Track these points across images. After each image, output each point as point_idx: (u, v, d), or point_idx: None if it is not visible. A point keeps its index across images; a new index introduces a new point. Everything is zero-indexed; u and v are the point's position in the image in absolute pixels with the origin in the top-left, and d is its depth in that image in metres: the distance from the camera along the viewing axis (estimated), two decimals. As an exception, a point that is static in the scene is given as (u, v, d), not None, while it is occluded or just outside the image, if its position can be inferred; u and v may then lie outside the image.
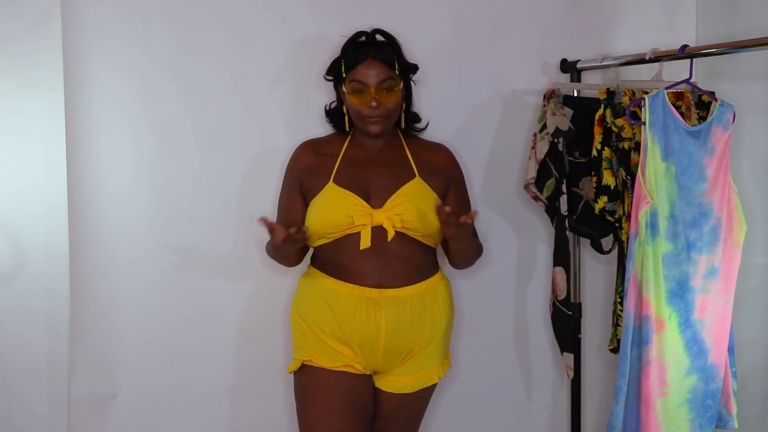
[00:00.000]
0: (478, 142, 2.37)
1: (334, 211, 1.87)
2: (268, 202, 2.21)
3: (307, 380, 1.92)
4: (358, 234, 1.87)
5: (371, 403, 1.96)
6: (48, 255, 2.16)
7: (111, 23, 2.07)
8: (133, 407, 2.19)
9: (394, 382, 1.95)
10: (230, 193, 2.20)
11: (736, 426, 2.06)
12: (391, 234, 1.86)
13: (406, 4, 2.26)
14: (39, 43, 2.08)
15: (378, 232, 1.87)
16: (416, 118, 2.07)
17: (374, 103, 1.86)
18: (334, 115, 2.04)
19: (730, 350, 2.03)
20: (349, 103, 1.91)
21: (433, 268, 1.99)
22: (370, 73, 1.87)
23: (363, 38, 1.94)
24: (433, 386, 2.02)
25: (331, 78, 1.98)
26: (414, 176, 1.94)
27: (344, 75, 1.90)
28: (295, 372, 1.97)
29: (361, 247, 1.86)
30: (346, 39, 1.95)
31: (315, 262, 1.99)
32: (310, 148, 2.00)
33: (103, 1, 2.06)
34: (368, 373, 1.95)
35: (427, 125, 2.10)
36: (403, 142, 2.01)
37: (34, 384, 2.20)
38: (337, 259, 1.90)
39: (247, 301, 2.25)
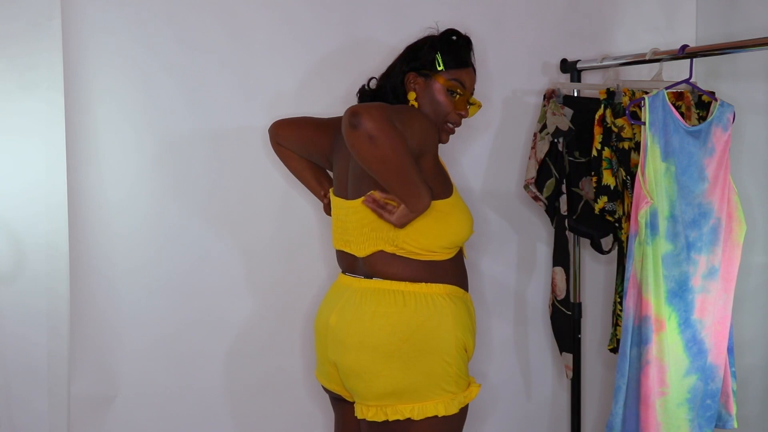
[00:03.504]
0: (478, 142, 2.37)
1: (471, 218, 1.76)
2: (269, 202, 2.21)
3: (464, 419, 1.75)
4: None
5: None
6: (48, 255, 2.16)
7: (111, 23, 2.07)
8: (133, 408, 2.19)
9: None
10: (232, 192, 2.20)
11: (736, 426, 2.06)
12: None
13: (407, 4, 2.26)
14: (39, 43, 2.08)
15: None
16: None
17: (465, 113, 1.78)
18: (387, 94, 1.79)
19: (730, 350, 2.03)
20: (438, 99, 1.75)
21: None
22: (472, 82, 1.79)
23: (465, 36, 1.82)
24: None
25: (413, 61, 1.77)
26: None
27: (441, 68, 1.75)
28: (456, 413, 1.70)
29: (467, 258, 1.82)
30: (432, 30, 1.84)
31: (447, 278, 1.72)
32: None
33: (102, 1, 2.06)
34: None
35: None
36: None
37: (34, 384, 2.20)
38: (462, 268, 1.78)
39: (248, 303, 2.25)
